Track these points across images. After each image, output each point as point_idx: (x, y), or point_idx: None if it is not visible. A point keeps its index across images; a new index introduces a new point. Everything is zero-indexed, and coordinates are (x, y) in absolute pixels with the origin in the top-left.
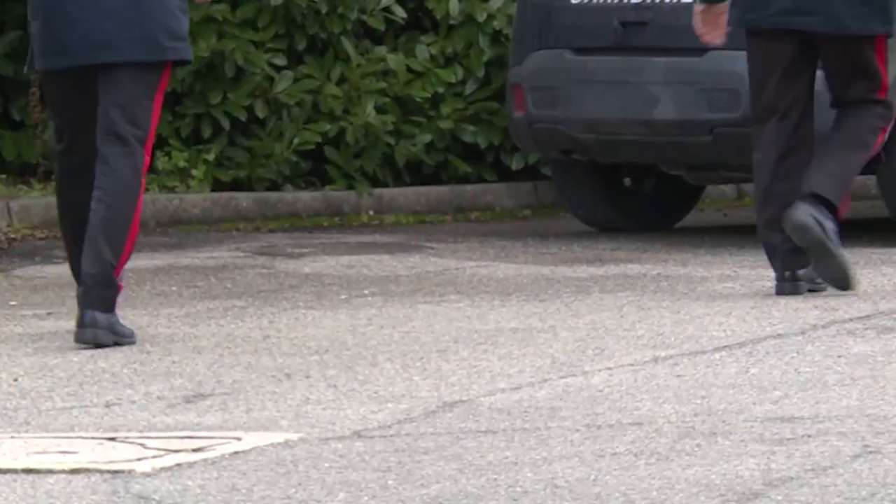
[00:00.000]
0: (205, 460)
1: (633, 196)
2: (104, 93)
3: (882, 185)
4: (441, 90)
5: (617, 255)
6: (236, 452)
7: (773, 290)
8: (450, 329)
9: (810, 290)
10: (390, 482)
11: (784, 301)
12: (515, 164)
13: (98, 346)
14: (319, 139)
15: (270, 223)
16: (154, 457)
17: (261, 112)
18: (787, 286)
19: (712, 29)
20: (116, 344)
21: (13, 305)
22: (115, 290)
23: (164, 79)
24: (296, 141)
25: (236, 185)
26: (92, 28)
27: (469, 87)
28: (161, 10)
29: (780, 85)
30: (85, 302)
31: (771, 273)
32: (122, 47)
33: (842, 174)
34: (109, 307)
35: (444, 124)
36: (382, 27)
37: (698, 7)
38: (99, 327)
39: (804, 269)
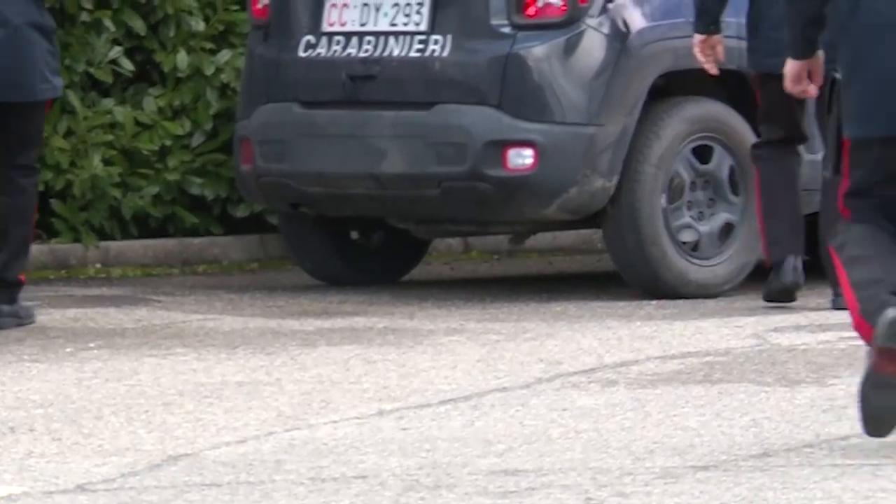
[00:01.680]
0: None
1: (361, 249)
2: None
3: (607, 238)
4: (168, 143)
5: (344, 307)
6: None
7: (498, 343)
8: (175, 382)
9: None
10: None
11: (509, 355)
12: (241, 213)
13: None
14: (44, 191)
15: None
16: None
17: None
18: None
19: (710, 58)
20: None
21: None
22: None
23: None
24: None
25: None
26: None
27: (196, 140)
28: None
29: None
30: None
31: (497, 326)
32: None
33: None
34: None
35: (172, 176)
36: (110, 79)
37: (698, 37)
38: None
39: None
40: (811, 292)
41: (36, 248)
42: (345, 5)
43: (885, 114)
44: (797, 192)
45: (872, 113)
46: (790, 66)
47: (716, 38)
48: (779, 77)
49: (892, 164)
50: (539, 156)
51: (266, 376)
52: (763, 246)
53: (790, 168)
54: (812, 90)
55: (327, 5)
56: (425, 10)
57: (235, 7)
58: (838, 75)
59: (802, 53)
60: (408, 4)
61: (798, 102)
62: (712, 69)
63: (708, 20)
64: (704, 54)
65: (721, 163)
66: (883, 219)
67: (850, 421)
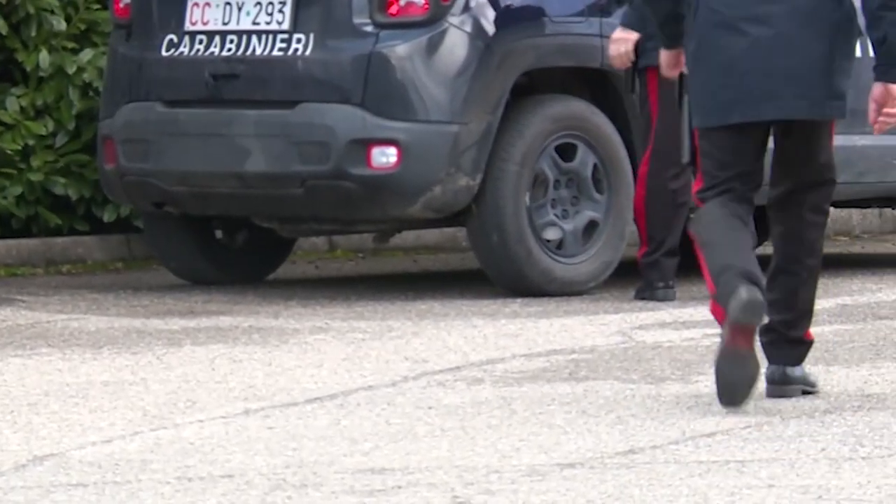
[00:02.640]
0: None
1: (226, 248)
2: None
3: (471, 236)
4: (31, 142)
5: (209, 307)
6: None
7: (364, 341)
8: (41, 382)
9: None
10: None
11: (375, 353)
12: (108, 217)
13: None
14: None
15: None
16: None
17: None
18: None
19: (675, 67)
20: None
21: None
22: None
23: None
24: None
25: None
26: None
27: (59, 140)
28: None
29: None
30: None
31: (362, 325)
32: None
33: None
34: None
35: (35, 177)
36: None
37: (664, 53)
38: None
39: None
40: (678, 287)
41: None
42: (207, 4)
43: (720, 103)
44: None
45: (711, 103)
46: (662, 56)
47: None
48: None
49: (731, 151)
50: (403, 154)
51: (131, 376)
52: None
53: None
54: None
55: (189, 4)
56: (287, 9)
57: (97, 6)
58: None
59: (667, 45)
60: (270, 3)
61: None
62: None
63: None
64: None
65: (585, 161)
66: (731, 202)
67: (716, 418)
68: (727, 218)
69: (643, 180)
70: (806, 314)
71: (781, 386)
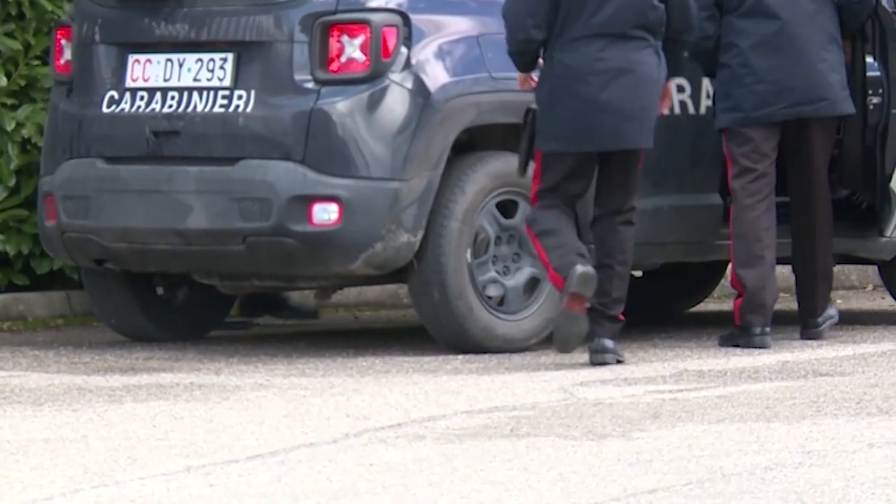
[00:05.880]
0: None
1: (166, 305)
2: None
3: (412, 293)
4: None
5: (150, 363)
6: None
7: (305, 398)
8: None
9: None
10: None
11: (316, 410)
12: (41, 270)
13: None
14: None
15: None
16: None
17: None
18: None
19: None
20: None
21: None
22: None
23: None
24: None
25: None
26: None
27: None
28: None
29: None
30: None
31: (304, 381)
32: None
33: None
34: None
35: None
36: None
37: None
38: None
39: None
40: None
41: None
42: (148, 61)
43: (574, 135)
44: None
45: (565, 134)
46: (519, 76)
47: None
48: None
49: (575, 169)
50: (344, 211)
51: (72, 433)
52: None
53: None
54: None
55: (130, 61)
56: (229, 66)
57: (37, 62)
58: (534, 107)
59: (523, 70)
60: (211, 60)
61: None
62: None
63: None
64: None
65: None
66: (563, 205)
67: (657, 475)
68: (560, 213)
69: None
70: (619, 300)
71: (602, 354)
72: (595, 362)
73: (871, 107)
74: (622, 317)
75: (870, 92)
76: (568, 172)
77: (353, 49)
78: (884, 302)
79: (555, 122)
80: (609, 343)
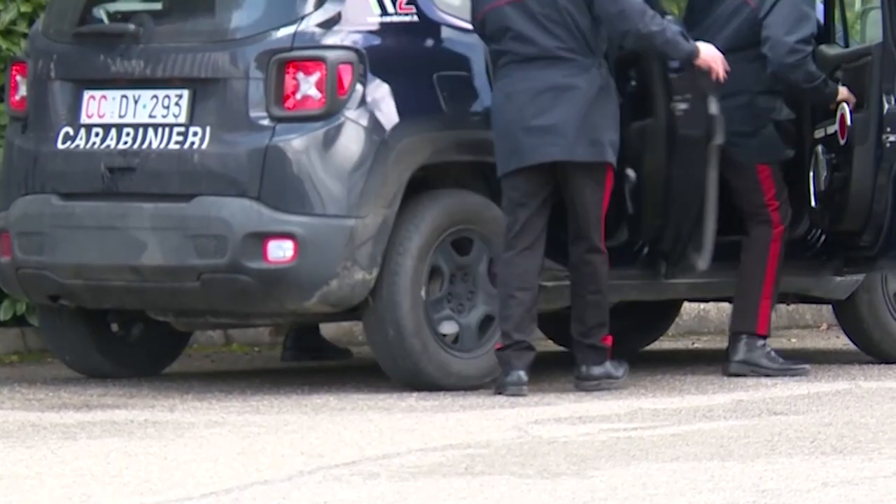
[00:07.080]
0: None
1: (121, 341)
2: None
3: (367, 331)
4: None
5: (104, 400)
6: None
7: (260, 435)
8: None
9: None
10: None
11: (271, 447)
12: (3, 315)
13: None
14: None
15: None
16: None
17: None
18: None
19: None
20: None
21: None
22: None
23: None
24: None
25: None
26: None
27: None
28: None
29: None
30: None
31: (258, 419)
32: None
33: None
34: None
35: None
36: None
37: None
38: None
39: None
40: (569, 384)
41: None
42: (103, 97)
43: (505, 156)
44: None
45: (500, 156)
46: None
47: None
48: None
49: (517, 191)
50: (299, 248)
51: (26, 470)
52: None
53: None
54: None
55: (85, 97)
56: (184, 102)
57: None
58: None
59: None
60: (166, 96)
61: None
62: None
63: None
64: None
65: (479, 255)
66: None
67: None
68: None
69: None
70: (596, 326)
71: (585, 381)
72: (583, 389)
73: (888, 145)
74: (608, 339)
75: (887, 129)
76: (514, 193)
77: (308, 86)
78: (838, 341)
79: (496, 143)
80: (596, 370)
